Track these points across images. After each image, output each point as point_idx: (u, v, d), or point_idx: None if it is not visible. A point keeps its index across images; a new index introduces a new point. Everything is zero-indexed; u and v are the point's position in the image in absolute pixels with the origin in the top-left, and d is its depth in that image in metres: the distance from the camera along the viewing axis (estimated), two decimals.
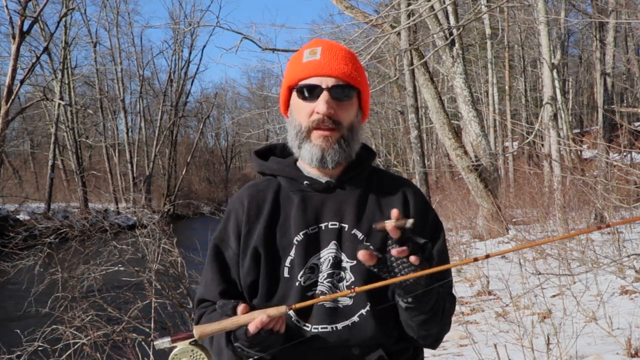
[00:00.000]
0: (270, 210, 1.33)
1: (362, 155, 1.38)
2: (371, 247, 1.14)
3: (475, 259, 1.19)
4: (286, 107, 1.38)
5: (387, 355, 1.27)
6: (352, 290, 1.16)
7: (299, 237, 1.29)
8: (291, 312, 1.26)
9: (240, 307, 1.14)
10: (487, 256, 1.20)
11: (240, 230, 1.33)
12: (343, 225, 1.30)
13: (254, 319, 1.11)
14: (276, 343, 1.17)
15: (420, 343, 1.33)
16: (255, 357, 1.18)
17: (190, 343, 1.12)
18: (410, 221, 1.10)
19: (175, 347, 1.13)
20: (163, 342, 1.12)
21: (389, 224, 1.11)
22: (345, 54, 1.32)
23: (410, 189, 1.38)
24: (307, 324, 1.26)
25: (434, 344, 1.33)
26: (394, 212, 1.11)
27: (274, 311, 1.12)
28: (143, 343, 4.92)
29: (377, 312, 1.26)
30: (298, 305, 1.16)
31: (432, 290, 1.19)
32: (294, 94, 1.32)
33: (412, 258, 1.11)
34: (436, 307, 1.24)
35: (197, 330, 1.12)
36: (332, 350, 1.25)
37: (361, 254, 1.12)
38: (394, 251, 1.11)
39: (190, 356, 1.13)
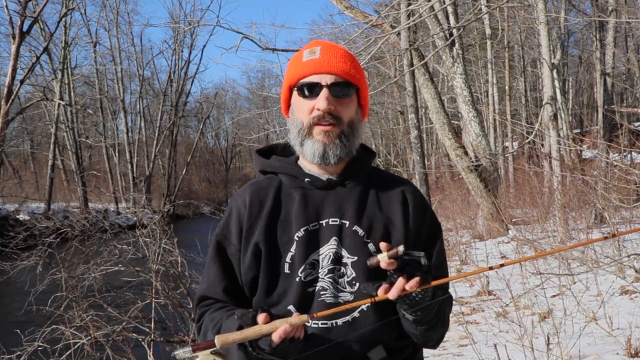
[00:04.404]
0: (271, 207, 1.34)
1: (362, 154, 1.39)
2: (385, 283, 1.13)
3: (490, 268, 1.22)
4: (287, 107, 1.40)
5: (387, 352, 1.27)
6: (372, 300, 1.16)
7: (299, 234, 1.30)
8: (292, 308, 1.27)
9: (261, 317, 1.12)
10: (502, 265, 1.23)
11: (242, 226, 1.34)
12: (344, 221, 1.31)
13: (277, 328, 1.10)
14: (297, 349, 1.18)
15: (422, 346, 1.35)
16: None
17: (211, 352, 1.12)
18: (400, 248, 1.11)
19: (196, 356, 1.13)
20: (184, 352, 1.12)
21: (383, 261, 1.11)
22: (344, 53, 1.35)
23: (409, 189, 1.39)
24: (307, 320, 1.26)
25: (436, 345, 1.35)
26: (383, 245, 1.12)
27: (296, 320, 1.12)
28: (143, 343, 4.92)
29: (378, 308, 1.26)
30: (320, 313, 1.17)
31: (436, 300, 1.20)
32: (295, 92, 1.34)
33: (412, 283, 1.11)
34: (439, 313, 1.25)
35: (219, 340, 1.11)
36: (332, 347, 1.25)
37: (384, 291, 1.12)
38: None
39: None
